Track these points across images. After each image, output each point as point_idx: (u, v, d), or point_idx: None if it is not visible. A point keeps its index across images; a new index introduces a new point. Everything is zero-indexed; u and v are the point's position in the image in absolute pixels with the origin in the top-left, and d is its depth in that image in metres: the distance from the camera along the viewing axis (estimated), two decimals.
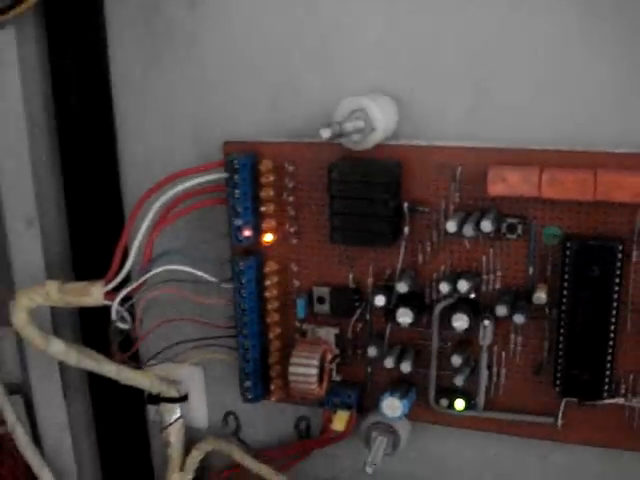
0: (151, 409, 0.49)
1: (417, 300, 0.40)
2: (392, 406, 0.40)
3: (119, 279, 0.41)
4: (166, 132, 0.45)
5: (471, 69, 0.38)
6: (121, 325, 0.40)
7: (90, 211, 0.46)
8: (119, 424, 0.51)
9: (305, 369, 0.40)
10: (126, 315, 0.41)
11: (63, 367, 0.47)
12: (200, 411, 0.49)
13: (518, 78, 0.38)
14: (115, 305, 0.40)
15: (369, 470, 0.40)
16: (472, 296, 0.39)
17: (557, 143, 0.36)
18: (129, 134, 0.46)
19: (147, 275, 0.40)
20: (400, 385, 0.41)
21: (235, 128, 0.43)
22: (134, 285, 0.40)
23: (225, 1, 0.42)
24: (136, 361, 0.46)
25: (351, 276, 0.41)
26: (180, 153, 0.45)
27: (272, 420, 0.47)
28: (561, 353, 0.38)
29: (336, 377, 0.43)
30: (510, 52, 0.37)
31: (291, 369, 0.41)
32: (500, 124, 0.38)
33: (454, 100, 0.39)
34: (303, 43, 0.41)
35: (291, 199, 0.41)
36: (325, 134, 0.34)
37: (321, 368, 0.41)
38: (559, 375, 0.38)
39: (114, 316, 0.40)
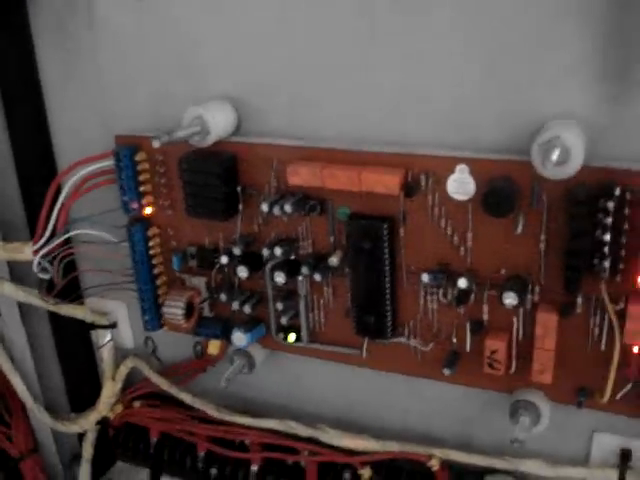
0: (93, 334, 0.64)
1: (254, 259, 0.52)
2: (239, 338, 0.53)
3: (42, 241, 0.55)
4: (82, 124, 0.58)
5: (285, 78, 0.49)
6: (42, 275, 0.55)
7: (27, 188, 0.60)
8: (73, 344, 0.66)
9: (173, 309, 0.54)
10: (49, 267, 0.55)
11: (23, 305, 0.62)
12: (127, 335, 0.63)
13: (319, 86, 0.48)
14: (36, 261, 0.54)
15: (223, 384, 0.54)
16: (292, 257, 0.51)
17: (342, 143, 0.47)
18: (61, 125, 0.59)
19: (62, 237, 0.54)
20: (249, 321, 0.54)
21: (128, 124, 0.55)
22: (52, 245, 0.54)
23: (113, 24, 0.53)
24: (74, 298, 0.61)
25: (207, 240, 0.54)
26: (92, 141, 0.57)
27: (178, 344, 0.61)
28: (354, 303, 0.50)
29: (209, 314, 0.56)
30: (317, 61, 0.48)
31: (164, 309, 0.54)
32: (303, 125, 0.49)
33: (275, 104, 0.50)
34: (169, 56, 0.52)
35: (162, 181, 0.53)
36: (155, 144, 0.46)
37: (190, 308, 0.55)
38: (355, 319, 0.50)
39: (35, 268, 0.54)
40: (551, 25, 0.41)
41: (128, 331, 0.63)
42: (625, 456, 0.50)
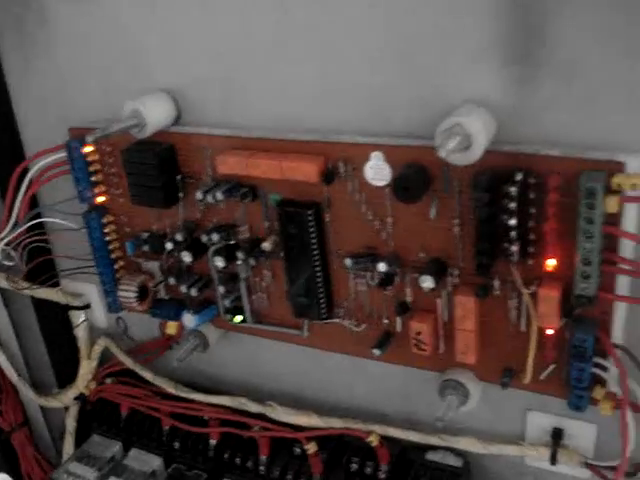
0: (70, 314, 0.68)
1: (198, 244, 0.54)
2: (188, 319, 0.56)
3: (7, 230, 0.58)
4: (44, 117, 0.60)
5: (216, 72, 0.50)
6: (6, 262, 0.58)
7: None
8: (55, 324, 0.70)
9: (126, 292, 0.57)
10: (14, 254, 0.59)
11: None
12: (100, 316, 0.66)
13: (245, 78, 0.49)
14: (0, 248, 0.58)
15: (175, 364, 0.57)
16: (232, 242, 0.53)
17: (268, 132, 0.49)
18: (27, 118, 0.62)
19: (24, 226, 0.58)
20: (201, 303, 0.57)
21: (83, 116, 0.57)
22: (14, 234, 0.58)
23: (63, 22, 0.56)
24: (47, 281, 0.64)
25: (155, 226, 0.56)
26: (53, 133, 0.60)
27: (145, 323, 0.64)
28: (290, 285, 0.52)
29: (165, 296, 0.59)
30: (241, 54, 0.49)
31: (118, 292, 0.57)
32: (235, 116, 0.50)
33: (209, 96, 0.51)
34: (116, 52, 0.54)
35: (113, 171, 0.56)
36: (89, 139, 0.48)
37: (145, 290, 0.57)
38: (291, 301, 0.52)
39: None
40: (458, 12, 0.42)
41: (101, 311, 0.66)
42: (557, 435, 0.50)
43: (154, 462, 0.62)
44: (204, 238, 0.52)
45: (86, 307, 0.65)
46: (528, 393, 0.48)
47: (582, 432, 0.50)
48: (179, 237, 0.53)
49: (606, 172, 0.39)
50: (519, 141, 0.42)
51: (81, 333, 0.66)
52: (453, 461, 0.54)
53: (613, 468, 0.47)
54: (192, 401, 0.60)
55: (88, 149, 0.55)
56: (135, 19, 0.52)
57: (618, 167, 0.39)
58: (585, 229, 0.40)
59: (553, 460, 0.50)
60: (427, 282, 0.45)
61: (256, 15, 0.47)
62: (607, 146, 0.40)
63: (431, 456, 0.54)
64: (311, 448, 0.55)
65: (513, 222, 0.41)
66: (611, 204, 0.39)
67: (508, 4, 0.40)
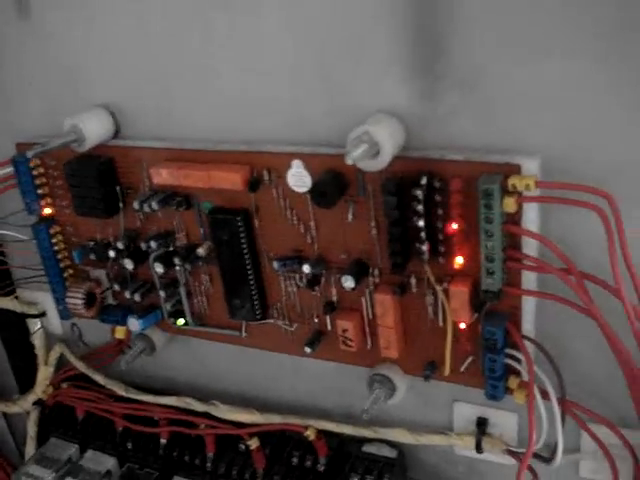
0: (28, 322, 0.70)
1: (140, 252, 0.56)
2: (132, 323, 0.58)
3: None
4: None
5: (150, 87, 0.53)
6: None
7: None
8: (15, 332, 0.72)
9: (74, 299, 0.59)
10: None
11: None
12: (55, 323, 0.69)
13: (176, 92, 0.52)
14: None
15: (123, 366, 0.59)
16: (171, 249, 0.55)
17: (200, 144, 0.51)
18: None
19: None
20: (147, 308, 0.59)
21: (30, 132, 0.59)
22: None
23: (4, 39, 0.58)
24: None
25: (99, 236, 0.59)
26: (3, 149, 0.62)
27: (98, 330, 0.66)
28: (225, 289, 0.54)
29: (113, 302, 0.61)
30: (171, 70, 0.51)
31: (66, 299, 0.60)
32: (169, 129, 0.53)
33: (145, 110, 0.54)
34: (58, 69, 0.56)
35: (58, 183, 0.58)
36: (29, 155, 0.51)
37: (93, 297, 0.60)
38: (227, 304, 0.55)
39: None
40: (369, 27, 0.44)
41: (56, 319, 0.68)
42: (481, 424, 0.53)
43: (108, 462, 0.64)
44: (144, 246, 0.54)
45: (41, 315, 0.68)
46: (454, 385, 0.51)
47: (504, 421, 0.52)
48: (120, 245, 0.55)
49: (502, 174, 0.42)
50: (426, 147, 0.45)
51: (38, 340, 0.68)
52: (388, 452, 0.56)
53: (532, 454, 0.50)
54: (143, 402, 0.62)
55: (35, 163, 0.57)
56: (73, 37, 0.54)
57: (515, 169, 0.42)
58: (485, 228, 0.42)
59: (478, 448, 0.53)
60: (348, 282, 0.48)
61: (186, 33, 0.50)
62: (507, 150, 0.43)
63: (367, 448, 0.57)
64: (253, 444, 0.58)
65: (421, 223, 0.44)
66: (509, 204, 0.42)
67: (409, 22, 0.43)
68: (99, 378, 0.64)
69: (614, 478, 0.49)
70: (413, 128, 0.45)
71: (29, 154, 0.50)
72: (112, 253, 0.56)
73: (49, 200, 0.59)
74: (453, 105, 0.44)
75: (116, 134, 0.55)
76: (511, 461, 0.53)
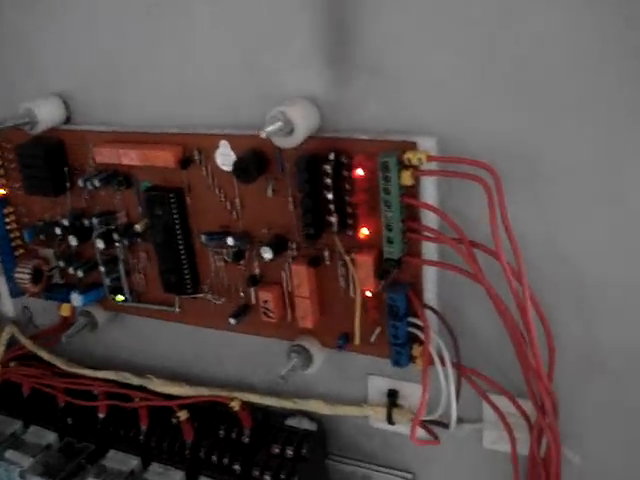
0: None
1: (84, 230, 0.61)
2: (75, 299, 0.62)
3: None
4: None
5: (97, 76, 0.58)
6: None
7: None
8: None
9: (21, 275, 0.63)
10: None
11: None
12: (7, 305, 0.73)
13: (121, 81, 0.57)
14: None
15: (64, 340, 0.63)
16: (112, 227, 0.60)
17: (140, 127, 0.56)
18: None
19: None
20: (90, 285, 0.63)
21: None
22: None
23: None
24: None
25: (48, 215, 0.63)
26: None
27: (47, 313, 0.70)
28: (159, 263, 0.58)
29: (60, 280, 0.65)
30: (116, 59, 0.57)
31: (15, 275, 0.63)
32: (114, 114, 0.58)
33: (92, 97, 0.59)
34: (19, 57, 0.62)
35: (12, 166, 0.63)
36: None
37: (40, 274, 0.64)
38: (161, 278, 0.59)
39: None
40: (291, 17, 0.49)
41: (8, 300, 0.72)
42: (392, 395, 0.57)
43: (50, 437, 0.67)
44: (87, 223, 0.59)
45: None
46: (368, 357, 0.55)
47: (414, 392, 0.56)
48: (66, 222, 0.60)
49: (400, 150, 0.46)
50: (339, 130, 0.50)
51: None
52: (308, 425, 0.60)
53: (433, 422, 0.53)
54: (83, 377, 0.66)
55: None
56: (32, 29, 0.59)
57: (411, 146, 0.46)
58: (385, 199, 0.47)
59: (389, 419, 0.56)
60: (267, 253, 0.52)
61: (130, 30, 0.55)
62: (407, 131, 0.48)
63: (289, 421, 0.60)
64: (182, 415, 0.61)
65: (330, 196, 0.49)
66: (405, 177, 0.46)
67: (325, 14, 0.48)
68: (43, 354, 0.67)
69: (513, 448, 0.53)
70: (328, 112, 0.50)
71: None
72: (58, 230, 0.60)
73: (3, 181, 0.64)
74: (361, 91, 0.49)
75: (68, 120, 0.60)
76: (422, 434, 0.56)
